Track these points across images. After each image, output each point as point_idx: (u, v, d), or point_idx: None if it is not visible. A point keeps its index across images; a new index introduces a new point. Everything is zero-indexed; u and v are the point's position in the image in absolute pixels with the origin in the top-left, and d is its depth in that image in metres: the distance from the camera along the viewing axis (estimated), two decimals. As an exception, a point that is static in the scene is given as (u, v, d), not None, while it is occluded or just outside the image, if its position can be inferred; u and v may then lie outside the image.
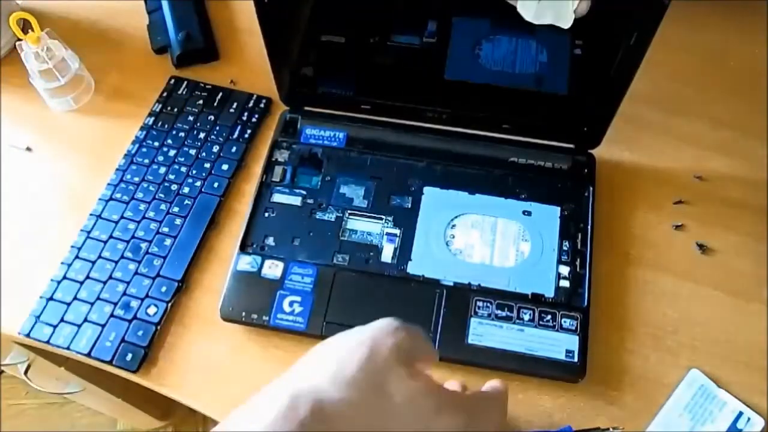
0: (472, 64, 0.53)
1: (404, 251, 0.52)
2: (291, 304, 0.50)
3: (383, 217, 0.54)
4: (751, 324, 0.50)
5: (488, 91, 0.54)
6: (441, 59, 0.53)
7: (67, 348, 0.51)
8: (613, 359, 0.49)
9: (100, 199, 0.58)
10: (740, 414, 0.46)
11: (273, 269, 0.52)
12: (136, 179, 0.58)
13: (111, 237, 0.55)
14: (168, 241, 0.55)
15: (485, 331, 0.48)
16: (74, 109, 0.64)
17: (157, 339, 0.51)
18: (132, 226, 0.56)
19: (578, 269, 0.50)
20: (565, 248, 0.51)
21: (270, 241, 0.53)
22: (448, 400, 0.33)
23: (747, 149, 0.58)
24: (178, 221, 0.56)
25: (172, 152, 0.60)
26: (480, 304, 0.49)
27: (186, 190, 0.58)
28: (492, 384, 0.39)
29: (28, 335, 0.52)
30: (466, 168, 0.56)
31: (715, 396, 0.47)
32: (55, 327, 0.52)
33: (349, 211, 0.54)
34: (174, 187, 0.58)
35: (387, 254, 0.52)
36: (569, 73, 0.52)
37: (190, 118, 0.62)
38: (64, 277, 0.54)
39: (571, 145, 0.56)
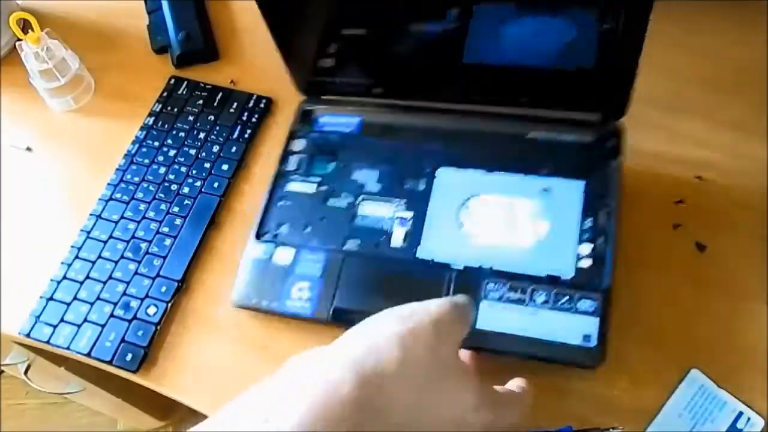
0: (493, 46, 0.51)
1: (415, 235, 0.50)
2: (300, 290, 0.49)
3: (395, 200, 0.52)
4: (751, 324, 0.50)
5: (509, 72, 0.52)
6: (460, 43, 0.51)
7: (67, 348, 0.51)
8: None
9: (100, 199, 0.58)
10: (740, 414, 0.46)
11: (284, 256, 0.51)
12: (136, 179, 0.58)
13: (111, 237, 0.55)
14: (168, 241, 0.55)
15: (496, 316, 0.46)
16: (74, 109, 0.64)
17: (157, 339, 0.51)
18: (132, 226, 0.56)
19: (601, 247, 0.47)
20: (587, 225, 0.48)
21: (284, 229, 0.53)
22: (485, 396, 0.34)
23: (747, 149, 0.58)
24: (178, 221, 0.56)
25: (172, 152, 0.60)
26: (491, 286, 0.47)
27: (186, 190, 0.58)
28: (518, 383, 0.39)
29: (28, 335, 0.52)
30: (483, 146, 0.53)
31: (715, 396, 0.47)
32: (55, 327, 0.52)
33: (361, 197, 0.53)
34: (174, 187, 0.58)
35: (397, 238, 0.50)
36: (594, 44, 0.49)
37: (190, 118, 0.62)
38: (64, 277, 0.54)
39: (596, 117, 0.53)
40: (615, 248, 0.47)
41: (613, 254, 0.47)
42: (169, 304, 0.52)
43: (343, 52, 0.55)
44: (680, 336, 0.50)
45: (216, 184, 0.58)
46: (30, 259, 0.56)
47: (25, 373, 0.91)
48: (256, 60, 0.66)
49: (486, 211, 0.50)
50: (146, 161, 0.59)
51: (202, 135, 0.61)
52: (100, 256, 0.55)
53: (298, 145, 0.57)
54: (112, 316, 0.52)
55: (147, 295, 0.52)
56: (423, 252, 0.49)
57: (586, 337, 0.44)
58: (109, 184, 0.59)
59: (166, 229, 0.55)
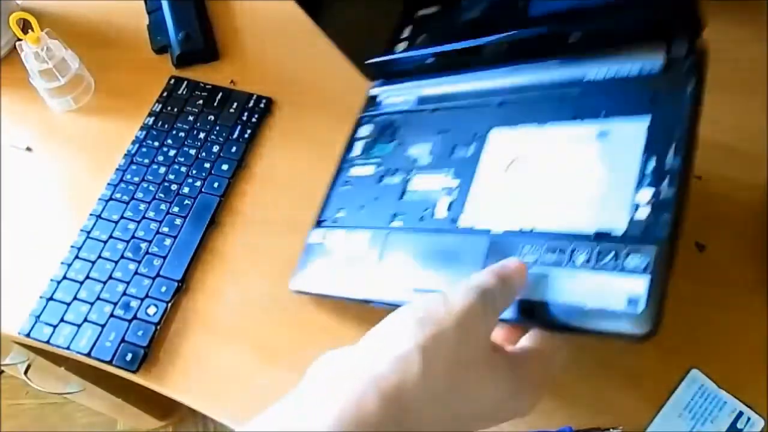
0: None
1: (458, 203, 0.46)
2: (347, 271, 0.48)
3: (444, 171, 0.48)
4: (751, 324, 0.50)
5: (571, 16, 0.48)
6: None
7: (67, 348, 0.51)
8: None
9: (100, 199, 0.58)
10: (740, 414, 0.46)
11: (335, 239, 0.50)
12: (136, 179, 0.58)
13: (111, 237, 0.55)
14: (168, 241, 0.55)
15: (528, 282, 0.39)
16: (74, 109, 0.64)
17: (157, 339, 0.51)
18: (132, 226, 0.56)
19: (664, 191, 0.38)
20: (649, 168, 0.39)
21: (341, 213, 0.52)
22: (519, 378, 0.33)
23: (747, 149, 0.58)
24: (178, 221, 0.56)
25: (172, 152, 0.60)
26: (527, 249, 0.40)
27: (186, 190, 0.58)
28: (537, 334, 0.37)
29: (28, 335, 0.52)
30: (537, 99, 0.48)
31: (715, 396, 0.47)
32: (55, 327, 0.52)
33: (413, 171, 0.50)
34: (174, 187, 0.58)
35: (441, 209, 0.46)
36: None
37: (190, 118, 0.62)
38: (64, 277, 0.54)
39: (663, 45, 0.47)
40: (681, 192, 0.37)
41: (678, 199, 0.37)
42: (169, 304, 0.52)
43: (403, 27, 0.54)
44: (680, 336, 0.50)
45: (216, 184, 0.58)
46: (30, 259, 0.56)
47: (25, 373, 0.91)
48: (256, 60, 0.67)
49: (534, 168, 0.44)
50: (146, 161, 0.59)
51: (202, 135, 0.61)
52: (100, 256, 0.55)
53: (364, 130, 0.56)
54: (112, 316, 0.52)
55: (147, 295, 0.52)
56: (465, 220, 0.45)
57: (632, 301, 0.35)
58: (109, 184, 0.59)
59: (166, 229, 0.55)
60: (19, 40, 0.60)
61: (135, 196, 0.57)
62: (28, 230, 0.58)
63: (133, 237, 0.55)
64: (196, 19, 0.67)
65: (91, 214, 0.57)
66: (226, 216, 0.57)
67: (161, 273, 0.53)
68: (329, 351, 0.32)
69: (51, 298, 0.53)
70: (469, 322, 0.31)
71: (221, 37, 0.68)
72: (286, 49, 0.67)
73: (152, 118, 0.62)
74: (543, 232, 0.40)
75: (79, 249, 0.55)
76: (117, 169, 0.59)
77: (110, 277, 0.53)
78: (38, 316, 0.52)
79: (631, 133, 0.41)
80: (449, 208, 0.46)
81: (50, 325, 0.52)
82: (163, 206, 0.57)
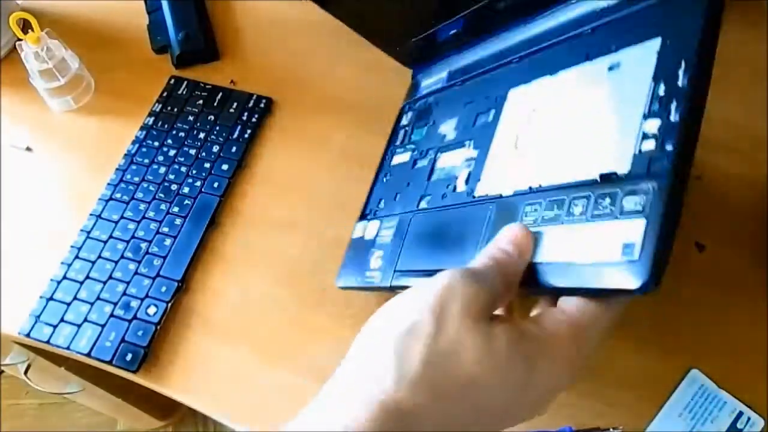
0: None
1: (475, 174, 0.43)
2: (376, 260, 0.47)
3: (467, 143, 0.45)
4: (751, 324, 0.50)
5: None
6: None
7: (67, 348, 0.51)
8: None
9: (100, 199, 0.58)
10: (740, 414, 0.46)
11: (371, 230, 0.50)
12: (136, 179, 0.58)
13: (111, 237, 0.55)
14: (168, 241, 0.55)
15: (541, 250, 0.34)
16: (74, 109, 0.64)
17: (157, 339, 0.51)
18: (132, 226, 0.56)
19: (672, 116, 0.32)
20: (657, 95, 0.34)
21: (381, 204, 0.51)
22: (541, 355, 0.30)
23: (747, 149, 0.58)
24: (178, 221, 0.56)
25: (172, 152, 0.60)
26: (528, 209, 0.36)
27: (186, 190, 0.58)
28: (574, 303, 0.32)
29: (28, 335, 0.52)
30: (551, 46, 0.44)
31: (715, 396, 0.47)
32: (55, 327, 0.52)
33: (440, 149, 0.48)
34: (174, 187, 0.58)
35: (461, 183, 0.44)
36: None
37: (190, 118, 0.62)
38: (64, 277, 0.54)
39: None
40: (690, 118, 0.33)
41: (686, 125, 0.32)
42: (169, 304, 0.52)
43: (432, 12, 0.53)
44: (680, 336, 0.50)
45: (216, 184, 0.58)
46: (30, 259, 0.56)
47: (25, 373, 0.91)
48: (256, 60, 0.67)
49: (546, 122, 0.40)
50: (146, 161, 0.59)
51: (202, 135, 0.61)
52: (100, 256, 0.55)
53: (405, 119, 0.55)
54: (112, 316, 0.52)
55: (147, 295, 0.52)
56: (481, 189, 0.42)
57: (627, 248, 0.30)
58: (109, 184, 0.59)
59: (166, 229, 0.55)
60: (19, 40, 0.60)
61: (135, 196, 0.57)
62: (28, 230, 0.58)
63: (133, 237, 0.55)
64: (196, 19, 0.67)
65: (91, 214, 0.57)
66: (226, 216, 0.57)
67: (161, 273, 0.53)
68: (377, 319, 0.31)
69: (51, 298, 0.53)
70: (447, 309, 0.29)
71: (221, 37, 0.68)
72: (286, 49, 0.67)
73: (152, 118, 0.62)
74: (547, 187, 0.36)
75: (79, 249, 0.55)
76: (117, 169, 0.59)
77: (110, 277, 0.53)
78: (38, 316, 0.52)
79: (641, 59, 0.36)
80: (467, 181, 0.43)
81: (50, 325, 0.52)
82: (163, 206, 0.57)
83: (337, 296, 0.51)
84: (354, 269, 0.49)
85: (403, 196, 0.49)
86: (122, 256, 0.54)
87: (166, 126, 0.61)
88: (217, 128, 0.61)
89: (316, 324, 0.51)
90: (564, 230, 0.33)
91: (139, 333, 0.51)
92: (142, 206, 0.57)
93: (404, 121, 0.55)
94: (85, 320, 0.52)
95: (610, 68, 0.38)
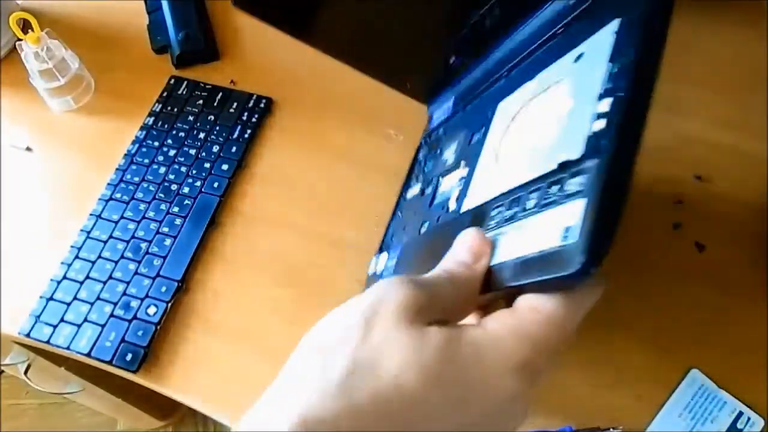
0: None
1: (464, 191, 0.42)
2: None
3: (462, 162, 0.44)
4: (751, 324, 0.50)
5: None
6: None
7: (67, 348, 0.51)
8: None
9: (100, 199, 0.58)
10: (740, 414, 0.46)
11: (381, 263, 0.50)
12: (136, 179, 0.58)
13: (111, 237, 0.55)
14: (168, 241, 0.55)
15: (498, 253, 0.32)
16: (74, 109, 0.64)
17: (157, 339, 0.51)
18: (132, 226, 0.56)
19: (620, 91, 0.30)
20: (612, 74, 0.32)
21: (392, 238, 0.51)
22: (473, 353, 0.26)
23: (747, 149, 0.58)
24: (178, 221, 0.56)
25: (172, 152, 0.60)
26: (494, 213, 0.35)
27: (186, 190, 0.58)
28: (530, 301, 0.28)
29: (28, 335, 0.52)
30: (532, 53, 0.44)
31: (715, 396, 0.47)
32: (55, 327, 0.52)
33: (441, 174, 0.47)
34: (174, 187, 0.58)
35: (453, 202, 0.43)
36: None
37: (190, 118, 0.62)
38: (64, 277, 0.54)
39: None
40: (638, 92, 0.30)
41: (632, 99, 0.29)
42: (169, 304, 0.52)
43: (426, 44, 0.53)
44: (680, 336, 0.50)
45: (216, 184, 0.58)
46: (30, 259, 0.56)
47: (25, 373, 0.91)
48: (256, 60, 0.67)
49: (520, 126, 0.40)
50: (146, 161, 0.59)
51: (202, 135, 0.61)
52: (100, 256, 0.55)
53: (421, 153, 0.55)
54: (112, 316, 0.52)
55: (147, 295, 0.52)
56: (466, 204, 0.41)
57: (567, 231, 0.27)
58: (109, 184, 0.59)
59: (166, 229, 0.55)
60: (19, 40, 0.60)
61: (135, 196, 0.57)
62: (28, 230, 0.58)
63: (133, 237, 0.55)
64: (196, 19, 0.67)
65: (91, 214, 0.57)
66: (226, 216, 0.57)
67: (161, 273, 0.53)
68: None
69: (51, 298, 0.53)
70: (372, 312, 0.27)
71: (221, 37, 0.68)
72: (286, 49, 0.67)
73: (152, 118, 0.62)
74: (512, 188, 0.35)
75: (79, 249, 0.55)
76: (117, 169, 0.59)
77: (110, 277, 0.53)
78: (38, 316, 0.52)
79: (601, 44, 0.35)
80: (458, 199, 0.42)
81: (50, 325, 0.52)
82: (163, 206, 0.57)
83: (336, 296, 0.51)
84: None
85: (409, 226, 0.49)
86: (122, 256, 0.54)
87: (166, 126, 0.61)
88: (217, 128, 0.61)
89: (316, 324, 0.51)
90: (519, 226, 0.31)
91: (139, 333, 0.51)
92: (142, 206, 0.57)
93: (420, 156, 0.55)
94: (85, 320, 0.52)
95: (576, 60, 0.37)
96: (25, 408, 1.29)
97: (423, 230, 0.45)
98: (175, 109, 0.62)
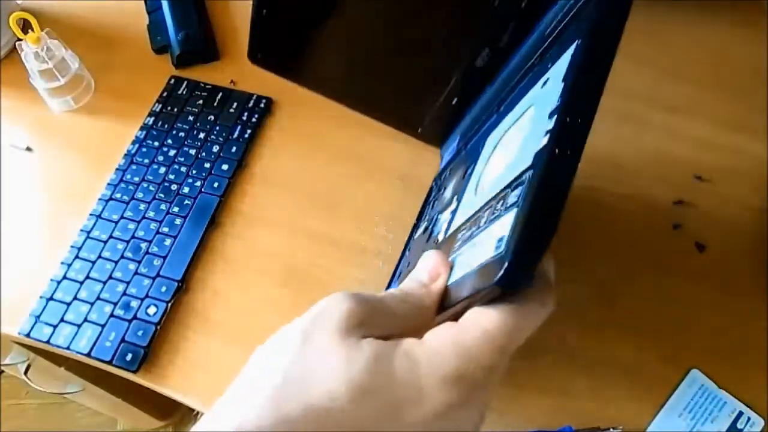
0: None
1: (449, 224, 0.41)
2: None
3: (454, 197, 0.44)
4: (751, 324, 0.50)
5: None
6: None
7: (67, 348, 0.51)
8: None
9: (100, 199, 0.58)
10: (740, 414, 0.46)
11: None
12: (136, 179, 0.58)
13: (111, 237, 0.55)
14: (168, 241, 0.55)
15: (455, 273, 0.32)
16: (74, 109, 0.64)
17: (157, 339, 0.51)
18: (132, 226, 0.56)
19: (564, 106, 0.29)
20: (561, 91, 0.32)
21: (399, 276, 0.51)
22: (407, 366, 0.25)
23: (747, 149, 0.58)
24: (178, 221, 0.56)
25: (172, 152, 0.60)
26: (458, 237, 0.35)
27: (186, 190, 0.58)
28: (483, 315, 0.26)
29: (28, 335, 0.52)
30: (516, 84, 0.44)
31: (715, 396, 0.47)
32: (55, 327, 0.52)
33: (440, 212, 0.47)
34: (174, 187, 0.58)
35: (441, 235, 0.43)
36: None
37: (190, 118, 0.62)
38: (64, 277, 0.54)
39: None
40: (572, 97, 0.29)
41: (567, 108, 0.29)
42: (169, 304, 0.52)
43: (424, 91, 0.55)
44: (680, 336, 0.50)
45: (216, 184, 0.58)
46: (30, 259, 0.56)
47: (25, 373, 0.91)
48: (255, 60, 0.67)
49: (496, 157, 0.40)
50: (146, 161, 0.59)
51: (202, 135, 0.61)
52: (100, 256, 0.55)
53: (431, 194, 0.55)
54: (112, 316, 0.52)
55: (147, 295, 0.52)
56: (450, 232, 0.41)
57: (499, 242, 0.27)
58: (109, 184, 0.59)
59: (166, 229, 0.55)
60: (19, 40, 0.60)
61: (135, 196, 0.57)
62: (28, 230, 0.58)
63: (133, 237, 0.55)
64: (196, 19, 0.67)
65: (91, 214, 0.57)
66: (226, 216, 0.57)
67: (161, 273, 0.53)
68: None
69: (51, 298, 0.53)
70: (312, 324, 0.27)
71: (221, 37, 0.68)
72: (286, 49, 0.67)
73: (152, 118, 0.62)
74: (476, 209, 0.35)
75: (79, 249, 0.55)
76: (117, 169, 0.59)
77: (110, 277, 0.53)
78: (38, 316, 0.52)
79: (561, 66, 0.35)
80: (445, 231, 0.43)
81: (50, 325, 0.52)
82: (163, 206, 0.57)
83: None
84: None
85: (413, 264, 0.49)
86: (122, 256, 0.54)
87: (166, 126, 0.61)
88: (217, 128, 0.61)
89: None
90: (472, 244, 0.31)
91: (139, 333, 0.51)
92: (142, 206, 0.57)
93: (430, 198, 0.55)
94: (85, 320, 0.52)
95: (543, 85, 0.37)
96: (25, 408, 1.29)
97: None
98: (175, 109, 0.62)
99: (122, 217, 0.56)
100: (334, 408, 0.25)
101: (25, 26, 0.60)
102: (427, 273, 0.31)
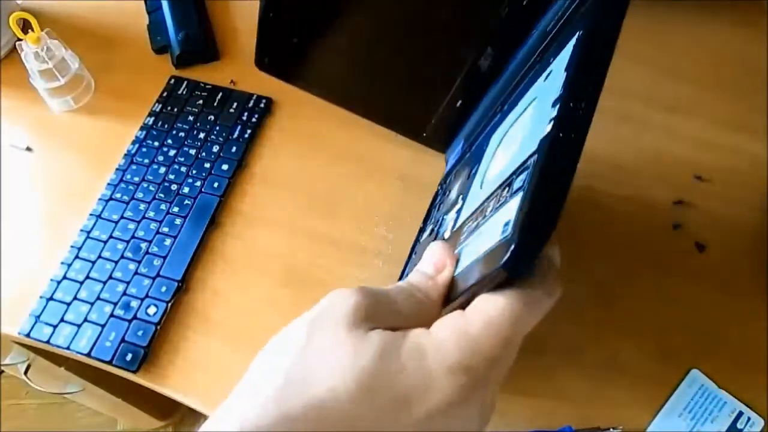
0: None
1: (455, 222, 0.41)
2: None
3: (459, 197, 0.44)
4: (751, 324, 0.50)
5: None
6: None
7: (67, 348, 0.51)
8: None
9: (100, 199, 0.58)
10: (740, 414, 0.46)
11: None
12: (136, 179, 0.58)
13: (111, 237, 0.55)
14: (168, 241, 0.55)
15: (461, 263, 0.32)
16: (74, 109, 0.64)
17: (157, 339, 0.51)
18: (132, 226, 0.56)
19: (567, 94, 0.30)
20: (564, 80, 0.32)
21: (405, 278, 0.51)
22: (414, 355, 0.25)
23: (747, 149, 0.58)
24: (178, 221, 0.56)
25: (172, 152, 0.60)
26: (464, 230, 0.36)
27: (186, 190, 0.58)
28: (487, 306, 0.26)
29: (28, 335, 0.52)
30: (519, 83, 0.44)
31: (715, 396, 0.47)
32: (55, 327, 0.52)
33: (445, 213, 0.47)
34: (174, 187, 0.58)
35: (447, 234, 0.43)
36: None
37: (190, 118, 0.62)
38: (64, 277, 0.54)
39: None
40: (574, 83, 0.30)
41: (570, 95, 0.29)
42: (169, 304, 0.52)
43: (429, 95, 0.55)
44: (680, 336, 0.50)
45: (216, 184, 0.58)
46: (30, 259, 0.56)
47: (25, 373, 0.91)
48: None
49: (500, 153, 0.40)
50: (146, 161, 0.59)
51: (202, 135, 0.61)
52: (100, 256, 0.55)
53: (437, 198, 0.55)
54: (112, 316, 0.52)
55: (147, 295, 0.52)
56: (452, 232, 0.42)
57: (506, 226, 0.27)
58: (109, 184, 0.59)
59: (166, 229, 0.55)
60: (19, 40, 0.60)
61: (135, 196, 0.57)
62: (28, 230, 0.58)
63: (133, 237, 0.55)
64: (196, 19, 0.67)
65: (91, 214, 0.57)
66: (226, 216, 0.57)
67: (161, 273, 0.53)
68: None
69: (51, 298, 0.53)
70: (316, 320, 0.27)
71: (221, 37, 0.68)
72: (286, 49, 0.67)
73: (152, 118, 0.62)
74: (481, 201, 0.35)
75: (79, 249, 0.55)
76: (117, 169, 0.59)
77: (110, 277, 0.53)
78: (38, 316, 0.52)
79: (564, 58, 0.35)
80: (452, 228, 0.43)
81: (50, 325, 0.52)
82: (163, 206, 0.57)
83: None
84: None
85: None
86: (122, 256, 0.54)
87: (166, 126, 0.61)
88: (217, 128, 0.61)
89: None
90: (478, 233, 0.31)
91: (139, 333, 0.51)
92: (142, 206, 0.57)
93: (436, 201, 0.55)
94: (85, 320, 0.52)
95: (546, 78, 0.38)
96: (25, 408, 1.29)
97: None
98: (175, 109, 0.62)
99: (122, 217, 0.56)
100: (340, 402, 0.24)
101: (25, 26, 0.60)
102: (433, 265, 0.31)
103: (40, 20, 0.60)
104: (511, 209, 0.27)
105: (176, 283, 0.53)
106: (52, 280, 0.54)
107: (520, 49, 0.48)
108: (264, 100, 0.62)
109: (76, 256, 0.55)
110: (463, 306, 0.27)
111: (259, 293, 0.53)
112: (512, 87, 0.46)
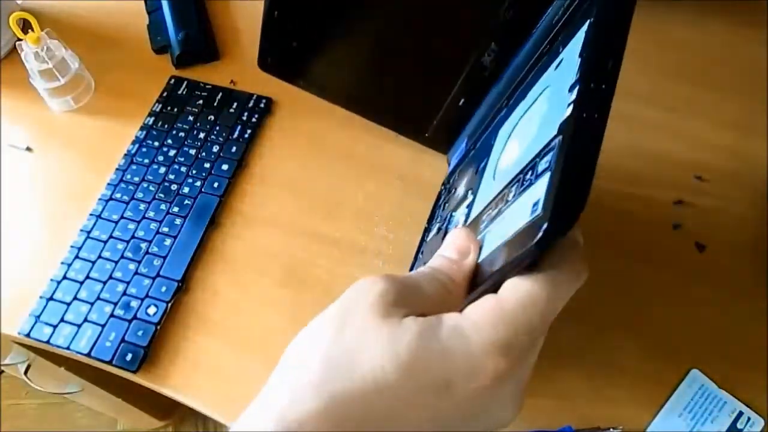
0: None
1: (467, 216, 0.41)
2: None
3: (468, 192, 0.44)
4: (751, 324, 0.50)
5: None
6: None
7: (67, 348, 0.51)
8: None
9: (100, 199, 0.58)
10: (740, 414, 0.46)
11: None
12: (136, 179, 0.58)
13: (111, 237, 0.55)
14: (168, 241, 0.55)
15: (484, 250, 0.33)
16: (74, 109, 0.64)
17: (157, 339, 0.51)
18: (132, 226, 0.56)
19: (588, 76, 0.30)
20: (580, 65, 0.33)
21: None
22: (452, 338, 0.25)
23: (747, 149, 0.58)
24: (178, 221, 0.56)
25: (172, 152, 0.60)
26: (484, 218, 0.36)
27: (186, 190, 0.58)
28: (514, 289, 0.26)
29: (28, 335, 0.52)
30: (525, 76, 0.44)
31: (715, 396, 0.47)
32: (55, 327, 0.52)
33: (453, 210, 0.47)
34: (174, 187, 0.58)
35: (460, 226, 0.43)
36: None
37: (190, 118, 0.62)
38: (64, 277, 0.54)
39: None
40: (593, 65, 0.30)
41: (588, 74, 0.30)
42: (169, 304, 0.52)
43: (431, 93, 0.55)
44: (680, 336, 0.50)
45: (216, 184, 0.58)
46: (30, 259, 0.56)
47: (25, 373, 0.91)
48: (256, 60, 0.66)
49: (513, 142, 0.40)
50: (146, 161, 0.59)
51: (202, 135, 0.61)
52: (100, 256, 0.55)
53: (441, 198, 0.55)
54: (112, 316, 0.52)
55: (147, 295, 0.52)
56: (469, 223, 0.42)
57: (535, 206, 0.27)
58: (109, 184, 0.59)
59: (166, 229, 0.55)
60: (19, 40, 0.60)
61: (135, 196, 0.57)
62: (28, 230, 0.58)
63: (133, 237, 0.55)
64: (196, 19, 0.67)
65: (91, 214, 0.57)
66: (226, 216, 0.57)
67: (161, 273, 0.53)
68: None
69: (51, 298, 0.53)
70: (346, 308, 0.27)
71: (221, 37, 0.68)
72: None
73: (152, 118, 0.62)
74: (500, 189, 0.35)
75: (79, 249, 0.55)
76: (117, 169, 0.59)
77: (110, 277, 0.53)
78: (38, 316, 0.52)
79: (575, 45, 0.36)
80: (465, 222, 0.42)
81: (50, 325, 0.52)
82: (163, 206, 0.57)
83: (337, 296, 0.51)
84: None
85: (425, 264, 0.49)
86: (122, 256, 0.54)
87: (166, 126, 0.61)
88: (217, 128, 0.61)
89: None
90: (501, 218, 0.32)
91: (139, 333, 0.51)
92: (142, 206, 0.57)
93: (440, 201, 0.55)
94: (85, 320, 0.52)
95: (556, 67, 0.38)
96: (25, 408, 1.29)
97: None
98: (175, 109, 0.62)
99: (122, 217, 0.56)
100: (381, 388, 0.24)
101: (25, 26, 0.60)
102: (456, 249, 0.31)
103: (40, 20, 0.60)
104: (538, 190, 0.28)
105: (176, 283, 0.53)
106: (52, 280, 0.54)
107: (524, 44, 0.48)
108: (264, 100, 0.62)
109: (76, 256, 0.55)
110: (488, 291, 0.28)
111: (259, 293, 0.53)
112: (518, 81, 0.46)
